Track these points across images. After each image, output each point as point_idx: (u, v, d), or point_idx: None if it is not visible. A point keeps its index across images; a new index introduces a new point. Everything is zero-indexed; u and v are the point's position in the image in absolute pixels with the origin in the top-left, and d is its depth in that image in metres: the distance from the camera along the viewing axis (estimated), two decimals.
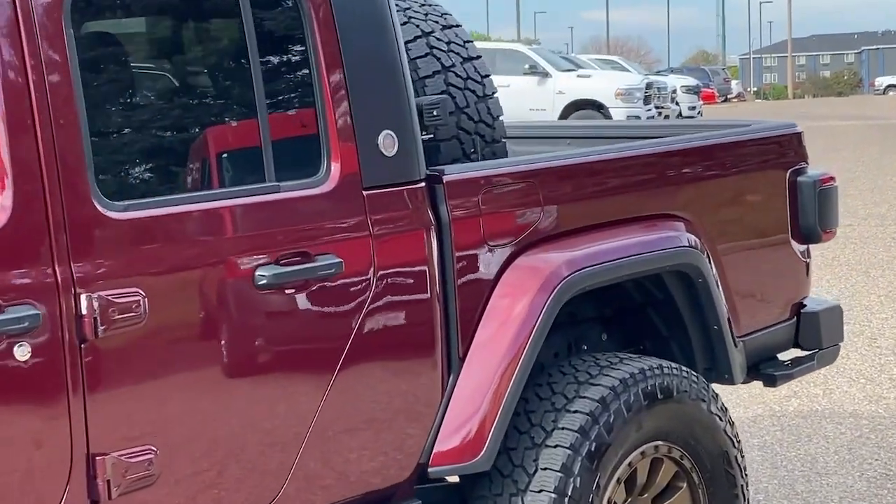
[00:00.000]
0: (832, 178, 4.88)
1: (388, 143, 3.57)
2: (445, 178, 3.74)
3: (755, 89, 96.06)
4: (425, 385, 3.68)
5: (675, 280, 4.33)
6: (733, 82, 69.54)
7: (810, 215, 4.78)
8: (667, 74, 41.87)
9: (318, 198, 3.44)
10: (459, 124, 4.08)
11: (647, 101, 25.89)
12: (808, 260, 4.92)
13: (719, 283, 4.41)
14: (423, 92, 4.06)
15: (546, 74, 25.21)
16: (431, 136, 3.80)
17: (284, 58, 3.53)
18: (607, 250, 4.09)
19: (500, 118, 4.23)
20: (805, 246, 4.89)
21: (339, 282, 3.43)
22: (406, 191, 3.63)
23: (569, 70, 26.26)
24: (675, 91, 32.49)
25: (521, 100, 24.71)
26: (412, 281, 3.64)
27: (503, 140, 4.24)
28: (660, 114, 28.29)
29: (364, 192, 3.53)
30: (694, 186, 4.51)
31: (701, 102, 38.29)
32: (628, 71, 33.11)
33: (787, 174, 4.80)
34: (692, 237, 4.32)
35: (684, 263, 4.27)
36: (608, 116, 24.76)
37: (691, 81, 38.38)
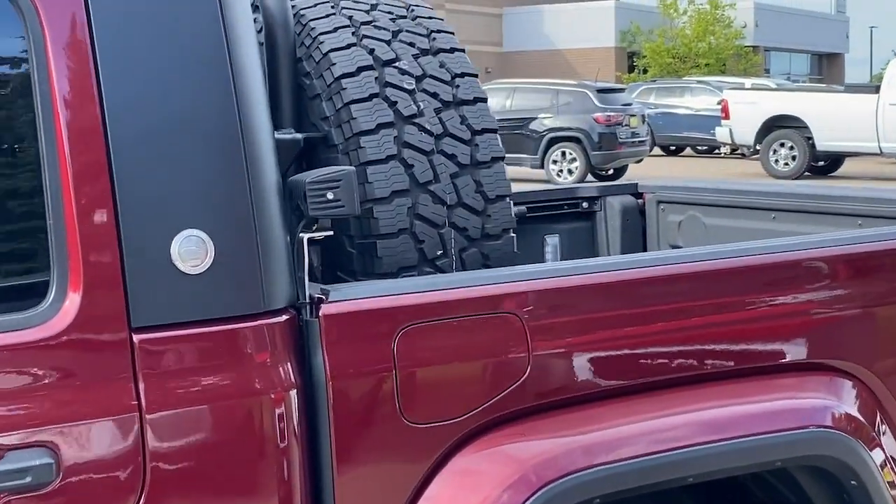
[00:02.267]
0: None
1: (191, 251, 2.10)
2: (325, 309, 2.20)
3: None
4: None
5: (810, 478, 2.55)
6: None
7: None
8: None
9: (30, 350, 2.02)
10: (417, 210, 2.50)
11: None
12: None
13: None
14: (354, 157, 2.52)
15: None
16: (331, 232, 2.27)
17: None
18: (656, 433, 2.39)
19: (506, 196, 2.61)
20: None
21: (52, 499, 1.99)
22: (230, 332, 2.14)
23: None
24: None
25: None
26: (239, 496, 2.15)
27: (508, 232, 2.61)
28: None
29: (134, 337, 2.07)
30: (867, 315, 2.69)
31: None
32: None
33: None
34: (847, 410, 2.53)
35: (822, 456, 2.48)
36: None
37: None
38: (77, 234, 2.03)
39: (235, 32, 2.16)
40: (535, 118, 20.42)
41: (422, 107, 2.56)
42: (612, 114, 20.20)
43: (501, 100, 21.10)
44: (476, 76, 2.65)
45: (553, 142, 20.19)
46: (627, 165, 21.10)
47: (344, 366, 2.21)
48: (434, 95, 2.59)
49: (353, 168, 2.24)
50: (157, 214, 2.09)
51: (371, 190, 2.48)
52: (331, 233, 2.28)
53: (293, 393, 2.18)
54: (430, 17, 2.74)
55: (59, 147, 2.03)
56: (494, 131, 2.62)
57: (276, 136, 2.64)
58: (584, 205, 4.17)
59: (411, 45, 2.65)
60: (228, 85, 2.14)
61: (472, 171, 2.57)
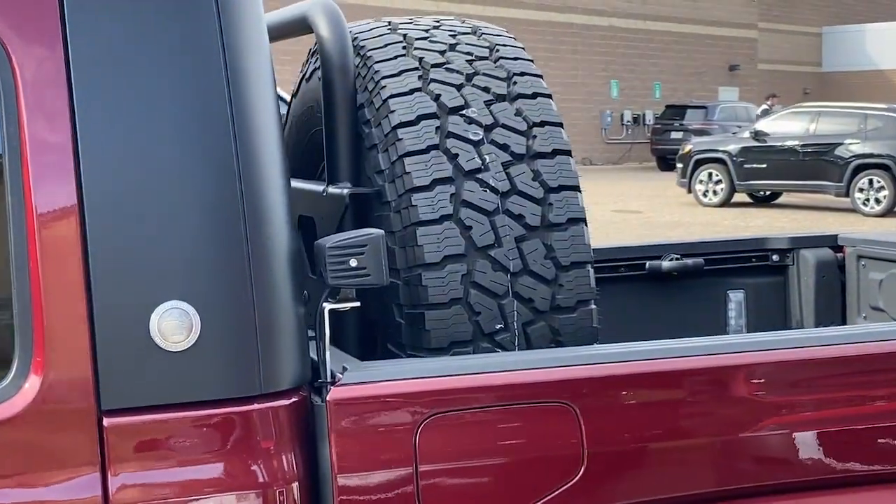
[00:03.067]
0: None
1: (173, 326, 1.88)
2: (334, 393, 1.95)
3: None
4: None
5: None
6: None
7: None
8: None
9: None
10: (473, 277, 2.20)
11: None
12: None
13: None
14: (406, 216, 2.24)
15: None
16: (357, 303, 2.00)
17: None
18: None
19: (584, 263, 2.26)
20: None
21: None
22: (217, 417, 1.91)
23: None
24: None
25: None
26: None
27: (587, 304, 2.26)
28: None
29: (104, 421, 1.87)
30: None
31: None
32: None
33: None
34: None
35: None
36: None
37: None
38: (42, 304, 1.84)
39: (241, 80, 1.93)
40: (841, 143, 19.41)
41: (487, 160, 2.25)
42: None
43: (805, 124, 20.19)
44: (560, 125, 2.32)
45: (860, 169, 19.11)
46: None
47: (354, 459, 1.94)
48: (504, 147, 2.28)
49: (381, 231, 1.97)
50: (134, 284, 1.88)
51: (420, 253, 2.20)
52: (357, 304, 2.02)
53: (294, 486, 1.93)
54: (517, 59, 2.43)
55: (26, 204, 1.85)
56: (574, 189, 2.28)
57: (330, 190, 2.41)
58: (775, 258, 3.75)
59: (485, 90, 2.34)
60: (227, 139, 1.91)
61: (542, 234, 2.24)
